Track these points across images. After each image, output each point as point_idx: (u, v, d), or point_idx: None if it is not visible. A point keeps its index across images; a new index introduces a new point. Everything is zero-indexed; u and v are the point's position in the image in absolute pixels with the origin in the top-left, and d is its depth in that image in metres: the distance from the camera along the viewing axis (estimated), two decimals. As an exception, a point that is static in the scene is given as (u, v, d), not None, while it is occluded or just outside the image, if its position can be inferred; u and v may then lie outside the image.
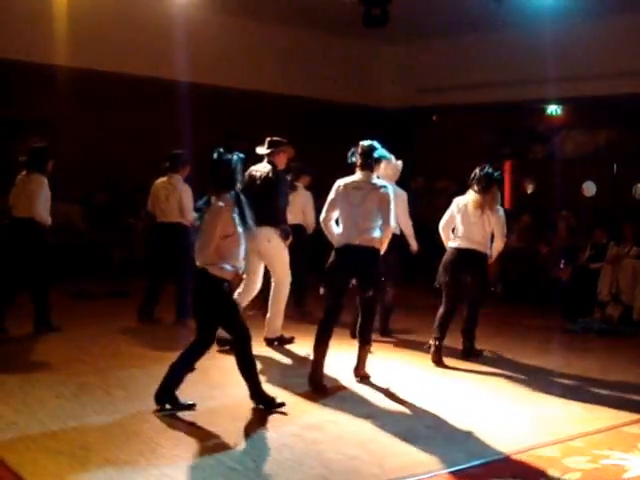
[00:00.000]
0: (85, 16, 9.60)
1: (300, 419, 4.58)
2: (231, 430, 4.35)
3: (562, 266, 9.04)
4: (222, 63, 10.96)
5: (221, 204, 4.50)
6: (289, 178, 7.88)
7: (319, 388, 5.21)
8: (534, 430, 4.54)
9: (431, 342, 6.13)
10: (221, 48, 10.94)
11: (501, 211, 6.20)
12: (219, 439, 4.21)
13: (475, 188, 6.12)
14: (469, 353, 6.30)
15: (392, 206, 5.34)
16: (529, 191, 11.74)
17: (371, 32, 8.87)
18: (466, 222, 6.14)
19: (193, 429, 4.36)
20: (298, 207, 7.87)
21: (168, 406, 4.59)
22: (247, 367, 4.71)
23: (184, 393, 4.69)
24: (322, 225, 5.59)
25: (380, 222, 5.30)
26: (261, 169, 6.37)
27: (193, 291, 4.68)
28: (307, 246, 7.96)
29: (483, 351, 6.44)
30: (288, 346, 6.51)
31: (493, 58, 11.24)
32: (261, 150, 6.41)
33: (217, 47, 10.88)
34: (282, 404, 4.75)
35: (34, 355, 5.99)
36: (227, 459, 3.91)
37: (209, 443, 4.14)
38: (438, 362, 6.05)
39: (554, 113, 11.77)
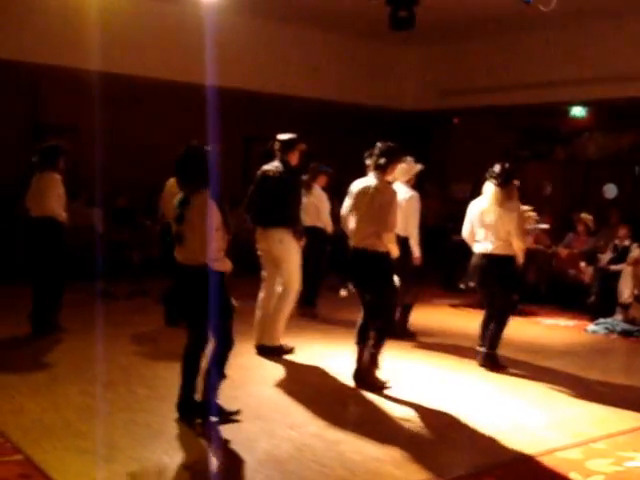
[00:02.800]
0: (114, 21, 9.71)
1: (320, 420, 4.59)
2: (253, 429, 4.38)
3: (582, 268, 9.01)
4: (248, 67, 11.03)
5: (209, 199, 4.33)
6: (305, 178, 7.80)
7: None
8: (556, 432, 4.52)
9: (478, 348, 6.07)
10: (247, 52, 11.00)
11: (516, 209, 5.89)
12: (241, 438, 4.23)
13: (494, 182, 5.88)
14: (485, 360, 5.99)
15: (395, 211, 5.27)
16: (547, 193, 11.66)
17: (394, 34, 8.78)
18: (482, 225, 5.94)
19: (216, 428, 4.37)
20: (314, 208, 7.79)
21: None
22: (194, 371, 4.48)
23: (200, 390, 4.74)
24: (342, 225, 5.60)
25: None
26: (273, 168, 6.13)
27: (196, 291, 4.35)
28: (325, 247, 7.97)
29: (506, 367, 6.03)
30: (301, 346, 6.41)
31: (516, 60, 11.19)
32: (274, 147, 6.21)
33: (244, 51, 10.93)
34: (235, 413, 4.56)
35: (59, 353, 6.06)
36: (249, 458, 3.94)
37: (232, 442, 4.16)
38: (492, 369, 5.91)
39: (578, 115, 11.69)
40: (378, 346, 5.31)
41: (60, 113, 10.10)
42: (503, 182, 5.83)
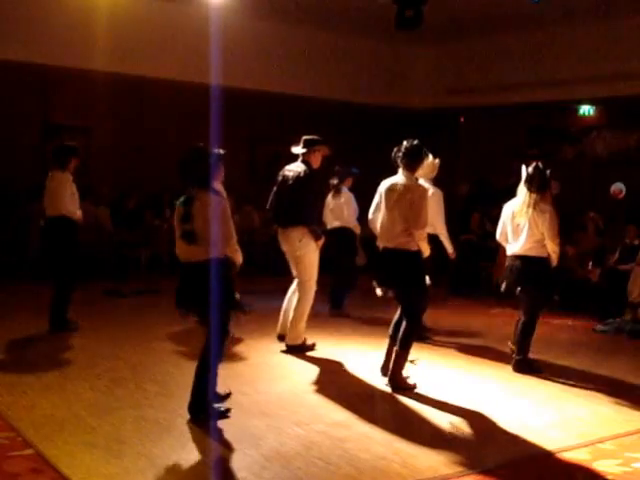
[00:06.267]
0: (123, 22, 9.76)
1: (327, 417, 4.62)
2: (260, 426, 4.41)
3: (590, 268, 8.99)
4: (256, 67, 11.08)
5: (218, 195, 4.49)
6: (335, 182, 7.96)
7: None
8: (563, 432, 4.52)
9: (510, 345, 6.06)
10: (255, 52, 11.06)
11: (550, 211, 5.76)
12: (249, 435, 4.26)
13: (529, 187, 5.75)
14: (519, 366, 5.88)
15: (426, 208, 5.23)
16: (555, 192, 11.64)
17: (401, 34, 8.78)
18: (514, 228, 5.85)
19: (223, 424, 4.41)
20: (340, 208, 7.91)
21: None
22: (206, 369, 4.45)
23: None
24: (370, 226, 5.61)
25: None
26: (294, 169, 6.21)
27: (208, 285, 4.32)
28: (353, 247, 8.00)
29: (542, 370, 5.93)
30: (321, 347, 6.44)
31: (524, 58, 11.17)
32: (296, 150, 6.28)
33: (252, 51, 10.99)
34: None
35: (70, 350, 6.11)
36: (256, 455, 3.96)
37: (239, 439, 4.19)
38: (519, 372, 5.87)
39: (586, 113, 11.65)
40: (405, 347, 5.27)
41: (70, 114, 10.18)
42: (539, 188, 5.74)
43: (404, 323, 5.28)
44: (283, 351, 6.24)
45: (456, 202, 11.07)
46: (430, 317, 7.53)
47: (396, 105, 12.48)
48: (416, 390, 5.26)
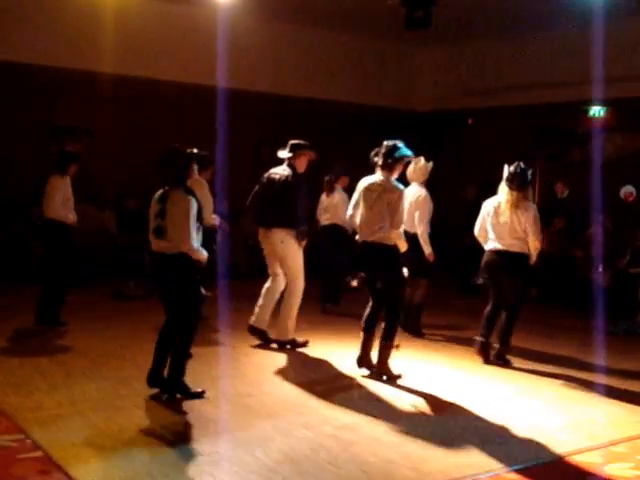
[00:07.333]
0: (129, 24, 9.76)
1: (335, 420, 4.59)
2: (267, 428, 4.38)
3: (600, 271, 8.93)
4: (260, 69, 11.03)
5: (188, 195, 4.74)
6: (328, 178, 8.23)
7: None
8: (574, 434, 4.47)
9: (477, 338, 6.18)
10: (261, 54, 11.01)
11: (533, 209, 6.01)
12: (256, 437, 4.23)
13: (510, 185, 5.97)
14: (499, 356, 6.15)
15: (402, 209, 5.48)
16: (564, 195, 11.57)
17: (407, 35, 8.78)
18: (495, 224, 6.05)
19: (231, 426, 4.39)
20: (335, 208, 8.13)
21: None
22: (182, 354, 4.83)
23: (220, 389, 4.74)
24: (350, 221, 5.84)
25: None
26: (280, 172, 6.39)
27: (173, 277, 4.79)
28: (346, 244, 8.02)
29: (511, 362, 6.18)
30: (323, 346, 6.49)
31: (533, 59, 11.12)
32: (282, 154, 6.45)
33: (257, 53, 10.95)
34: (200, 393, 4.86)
35: (76, 351, 6.11)
36: (265, 458, 3.93)
37: (247, 441, 4.17)
38: (485, 361, 6.08)
39: (596, 115, 11.59)
40: (389, 337, 5.52)
41: (76, 116, 10.17)
42: (519, 187, 5.96)
43: (385, 315, 5.54)
44: (254, 346, 6.35)
45: (463, 205, 11.04)
46: (436, 317, 7.54)
47: (404, 107, 12.45)
48: (424, 391, 5.24)
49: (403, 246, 5.51)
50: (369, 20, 10.50)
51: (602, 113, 11.50)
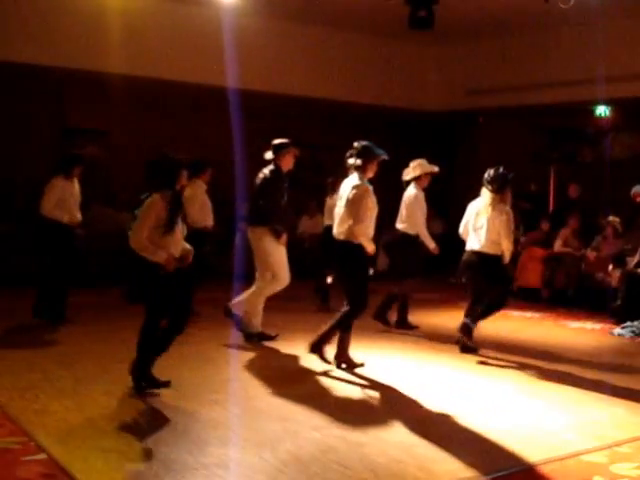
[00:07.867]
0: (139, 24, 9.82)
1: (344, 421, 4.60)
2: (276, 430, 4.40)
3: (610, 271, 8.90)
4: (271, 70, 11.08)
5: (158, 197, 4.86)
6: (330, 180, 8.26)
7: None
8: (579, 435, 4.47)
9: (459, 332, 6.46)
10: (270, 54, 11.06)
11: (507, 212, 6.27)
12: (265, 439, 4.25)
13: (489, 188, 6.28)
14: (462, 329, 6.42)
15: (364, 205, 5.61)
16: (576, 195, 11.53)
17: (416, 34, 8.81)
18: (474, 225, 6.38)
19: (240, 428, 4.43)
20: (332, 210, 8.09)
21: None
22: (147, 344, 4.99)
23: (230, 392, 4.76)
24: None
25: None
26: (264, 171, 6.55)
27: (139, 276, 4.99)
28: None
29: (476, 350, 6.45)
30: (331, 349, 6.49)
31: (541, 59, 11.10)
32: (267, 155, 6.56)
33: (266, 54, 11.00)
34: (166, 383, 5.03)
35: (83, 354, 6.14)
36: (273, 459, 3.95)
37: (256, 442, 4.19)
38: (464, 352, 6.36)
39: (603, 114, 11.55)
40: (346, 330, 5.75)
41: (86, 117, 10.24)
42: (497, 189, 6.26)
43: (345, 306, 5.74)
44: (262, 348, 6.47)
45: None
46: (443, 317, 7.56)
47: (413, 107, 12.44)
48: (429, 391, 5.27)
49: (369, 247, 5.67)
50: (376, 20, 10.51)
51: (608, 113, 11.47)
